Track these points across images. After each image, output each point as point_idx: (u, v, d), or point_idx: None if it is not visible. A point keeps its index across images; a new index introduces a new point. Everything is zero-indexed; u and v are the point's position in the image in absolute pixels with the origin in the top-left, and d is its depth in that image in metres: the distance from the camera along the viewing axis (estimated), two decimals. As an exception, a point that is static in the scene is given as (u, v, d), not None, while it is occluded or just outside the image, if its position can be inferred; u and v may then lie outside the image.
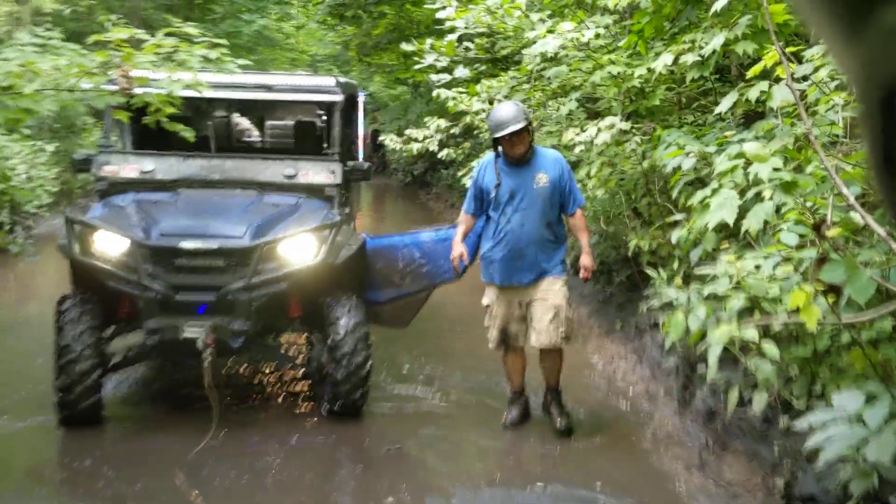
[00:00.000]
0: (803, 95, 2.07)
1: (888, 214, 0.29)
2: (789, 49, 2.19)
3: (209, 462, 2.75)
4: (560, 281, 2.93)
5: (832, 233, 1.68)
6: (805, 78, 2.13)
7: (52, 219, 7.61)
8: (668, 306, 2.46)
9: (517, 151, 2.87)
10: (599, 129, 3.33)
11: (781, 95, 2.07)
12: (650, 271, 2.84)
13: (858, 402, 1.56)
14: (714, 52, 2.70)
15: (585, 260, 2.98)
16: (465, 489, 2.64)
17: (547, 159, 2.95)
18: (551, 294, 2.90)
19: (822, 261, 1.65)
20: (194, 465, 2.72)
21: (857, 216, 1.73)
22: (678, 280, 2.42)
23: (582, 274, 2.97)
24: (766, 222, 1.92)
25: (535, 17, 4.09)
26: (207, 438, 2.76)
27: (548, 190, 2.90)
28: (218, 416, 2.78)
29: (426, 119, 5.47)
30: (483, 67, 5.50)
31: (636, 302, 3.94)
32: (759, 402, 2.02)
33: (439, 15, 4.43)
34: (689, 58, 2.89)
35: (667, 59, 2.96)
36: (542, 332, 2.92)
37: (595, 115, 4.09)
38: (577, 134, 3.46)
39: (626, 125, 3.37)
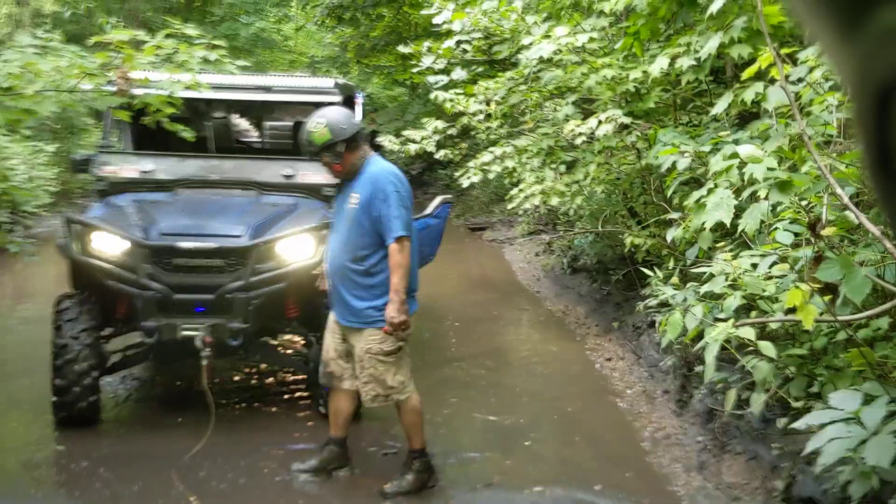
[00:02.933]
0: (797, 96, 2.09)
1: (883, 213, 0.30)
2: (784, 50, 2.21)
3: (206, 463, 2.74)
4: (376, 336, 2.37)
5: (827, 232, 1.69)
6: (800, 79, 2.14)
7: (52, 219, 7.60)
8: (665, 305, 2.47)
9: (331, 173, 2.45)
10: (600, 122, 3.33)
11: (776, 97, 2.08)
12: (647, 270, 2.85)
13: (855, 402, 1.56)
14: (710, 55, 2.72)
15: (388, 309, 2.33)
16: (463, 492, 2.63)
17: (365, 175, 2.40)
18: (365, 353, 2.39)
19: (818, 260, 1.66)
20: (192, 466, 2.72)
21: (852, 215, 1.74)
22: (675, 279, 2.43)
23: (388, 329, 2.35)
24: (761, 221, 1.93)
25: (530, 20, 4.11)
26: (205, 439, 2.76)
27: (355, 213, 2.38)
28: (215, 416, 2.78)
29: (424, 120, 5.48)
30: (480, 69, 5.52)
31: (633, 301, 3.95)
32: (757, 402, 2.03)
33: (436, 20, 4.45)
34: (685, 62, 2.90)
35: (662, 62, 2.98)
36: (360, 387, 2.47)
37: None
38: (578, 125, 3.46)
39: (627, 119, 3.38)
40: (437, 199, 3.75)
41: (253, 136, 5.05)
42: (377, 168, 2.43)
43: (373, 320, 2.39)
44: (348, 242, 2.41)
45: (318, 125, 2.42)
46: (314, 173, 3.52)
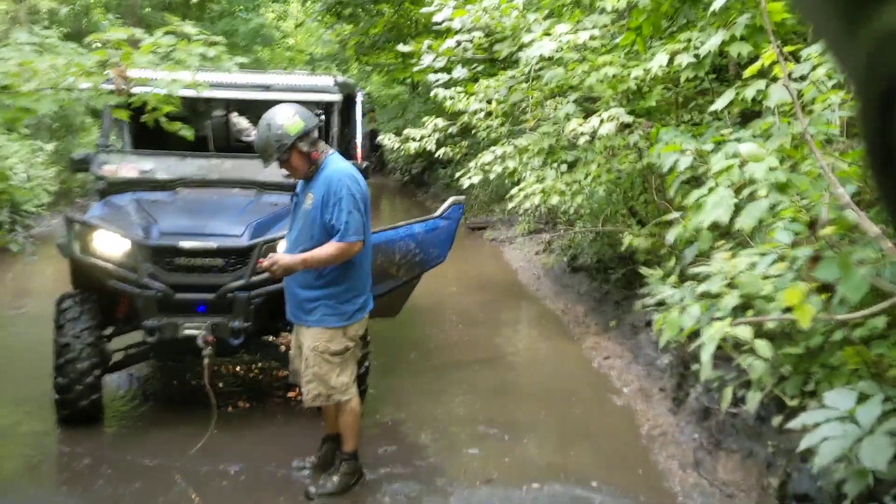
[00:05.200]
0: (800, 94, 2.08)
1: (885, 212, 0.30)
2: (787, 48, 2.20)
3: (208, 461, 2.75)
4: (324, 335, 2.36)
5: (826, 231, 1.69)
6: (802, 77, 2.14)
7: (52, 218, 7.60)
8: (663, 304, 2.47)
9: (293, 173, 2.41)
10: (602, 120, 3.33)
11: (778, 94, 2.08)
12: (645, 270, 2.85)
13: (850, 400, 1.57)
14: (710, 52, 2.71)
15: (283, 256, 2.35)
16: (461, 489, 2.65)
17: (322, 176, 2.36)
18: (311, 351, 2.39)
19: (815, 259, 1.66)
20: (192, 464, 2.73)
21: (851, 214, 1.75)
22: (674, 278, 2.44)
23: (267, 261, 2.32)
24: (760, 220, 1.93)
25: (531, 17, 4.10)
26: (206, 438, 2.77)
27: (310, 214, 2.36)
28: (216, 415, 2.79)
29: (424, 118, 5.48)
30: (481, 67, 5.51)
31: (632, 300, 3.95)
32: (753, 400, 2.04)
33: (436, 18, 4.44)
34: (685, 59, 2.90)
35: (662, 59, 2.97)
36: (303, 385, 2.46)
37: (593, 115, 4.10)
38: (580, 125, 3.46)
39: (629, 118, 3.37)
40: (449, 201, 3.75)
41: (252, 134, 5.04)
42: (333, 169, 2.38)
43: (327, 321, 2.38)
44: (302, 243, 2.39)
45: (289, 117, 2.36)
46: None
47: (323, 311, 2.40)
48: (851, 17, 0.26)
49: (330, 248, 2.33)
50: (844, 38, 0.26)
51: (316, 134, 2.43)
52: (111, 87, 2.70)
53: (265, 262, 2.36)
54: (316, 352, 2.40)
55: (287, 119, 2.38)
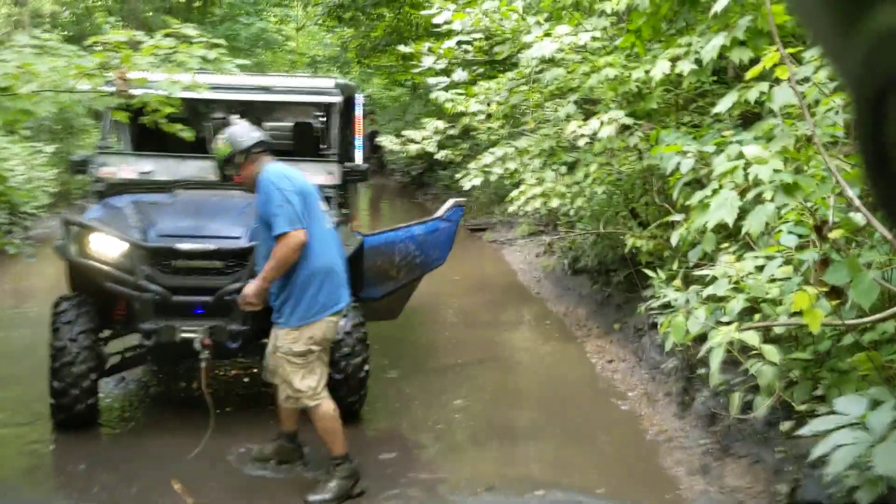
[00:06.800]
0: (803, 96, 2.06)
1: (881, 213, 0.29)
2: (788, 50, 2.18)
3: (205, 465, 2.72)
4: (289, 336, 2.40)
5: (835, 234, 1.67)
6: (805, 79, 2.12)
7: (51, 220, 7.58)
8: (667, 307, 2.44)
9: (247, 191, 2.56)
10: (602, 123, 3.31)
11: (782, 97, 2.06)
12: (649, 272, 2.83)
13: (861, 406, 1.54)
14: (711, 57, 2.69)
15: (247, 288, 2.45)
16: (463, 496, 2.61)
17: (258, 187, 2.48)
18: (277, 352, 2.44)
19: (824, 262, 1.64)
20: (190, 468, 2.70)
21: (857, 217, 1.72)
22: (677, 282, 2.41)
23: (240, 300, 2.46)
24: (766, 223, 1.91)
25: (531, 20, 4.09)
26: (204, 441, 2.74)
27: (258, 222, 2.51)
28: (214, 419, 2.76)
29: (424, 120, 5.46)
30: (481, 70, 5.50)
31: (634, 302, 3.92)
32: (762, 406, 2.01)
33: (437, 20, 4.43)
34: (686, 65, 2.88)
35: (664, 66, 2.95)
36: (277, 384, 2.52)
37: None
38: (580, 126, 3.44)
39: (629, 120, 3.36)
40: (449, 202, 3.72)
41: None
42: (263, 175, 2.49)
43: (288, 321, 2.42)
44: (264, 253, 2.49)
45: (219, 141, 2.57)
46: (314, 174, 3.50)
47: (288, 312, 2.45)
48: (847, 17, 0.26)
49: (275, 251, 2.39)
50: (840, 38, 0.26)
51: (259, 148, 2.54)
52: (111, 89, 2.68)
53: (239, 303, 2.51)
54: (280, 352, 2.43)
55: (217, 144, 2.60)
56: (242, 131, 2.59)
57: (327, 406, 2.51)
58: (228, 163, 2.53)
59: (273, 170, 2.50)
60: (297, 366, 2.41)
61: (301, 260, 2.41)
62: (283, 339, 2.43)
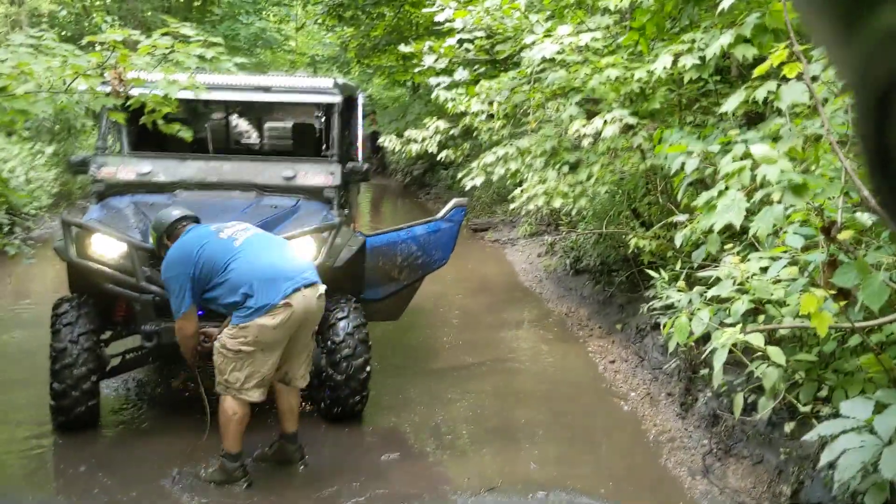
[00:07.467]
0: (810, 95, 2.04)
1: (883, 213, 0.28)
2: (800, 48, 2.16)
3: (204, 466, 2.70)
4: (231, 331, 2.57)
5: (844, 236, 1.64)
6: (814, 78, 2.10)
7: (51, 220, 7.57)
8: (670, 308, 2.43)
9: None
10: (606, 122, 3.29)
11: (790, 95, 2.03)
12: (651, 272, 2.80)
13: (867, 409, 1.52)
14: (714, 54, 2.67)
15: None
16: (465, 496, 2.60)
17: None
18: (217, 342, 2.62)
19: (832, 264, 1.62)
20: (190, 469, 2.68)
21: (864, 217, 1.70)
22: (681, 283, 2.39)
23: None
24: (774, 225, 1.88)
25: (533, 18, 4.06)
26: (203, 441, 2.73)
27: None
28: (208, 420, 2.75)
29: (425, 120, 5.44)
30: (482, 69, 5.48)
31: (636, 303, 3.91)
32: (766, 408, 1.99)
33: (438, 18, 4.40)
34: (688, 60, 2.85)
35: (666, 61, 2.93)
36: None
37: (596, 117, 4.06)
38: (584, 126, 3.42)
39: (632, 119, 3.33)
40: (451, 203, 3.70)
41: (253, 136, 5.01)
42: (170, 250, 2.66)
43: (234, 317, 2.58)
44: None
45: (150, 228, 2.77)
46: (315, 174, 3.49)
47: (237, 312, 2.60)
48: (849, 17, 0.26)
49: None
50: (842, 38, 0.26)
51: (177, 230, 2.69)
52: (108, 89, 2.66)
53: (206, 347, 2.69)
54: (218, 342, 2.59)
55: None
56: (161, 216, 2.74)
57: (236, 405, 2.56)
58: (161, 245, 2.70)
59: (167, 256, 2.64)
60: (227, 358, 2.56)
61: (228, 294, 2.57)
62: (226, 332, 2.59)
